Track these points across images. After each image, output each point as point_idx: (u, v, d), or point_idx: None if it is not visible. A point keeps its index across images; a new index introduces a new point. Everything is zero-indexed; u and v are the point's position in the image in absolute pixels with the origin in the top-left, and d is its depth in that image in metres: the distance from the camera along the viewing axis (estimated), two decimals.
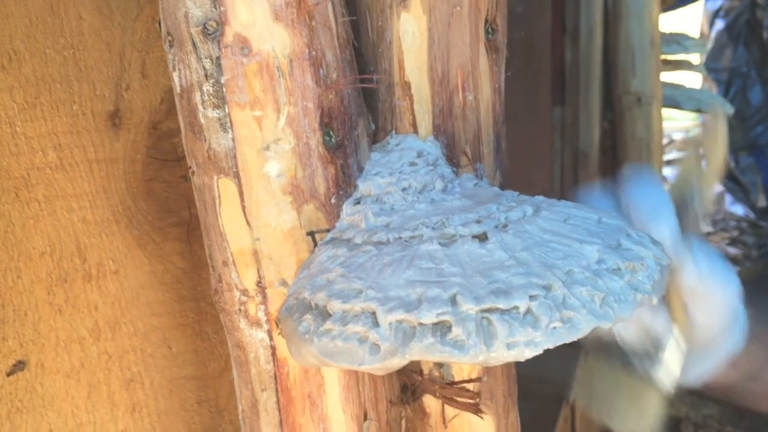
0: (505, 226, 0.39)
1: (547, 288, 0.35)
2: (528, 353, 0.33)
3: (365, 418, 0.45)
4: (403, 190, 0.43)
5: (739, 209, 3.60)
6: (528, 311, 0.34)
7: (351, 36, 0.44)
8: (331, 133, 0.42)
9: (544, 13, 1.53)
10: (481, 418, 0.46)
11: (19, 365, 0.47)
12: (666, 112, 1.64)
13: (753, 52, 3.41)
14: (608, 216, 0.43)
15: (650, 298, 0.38)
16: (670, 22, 1.70)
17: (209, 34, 0.39)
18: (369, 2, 0.46)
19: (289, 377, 0.43)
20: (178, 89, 0.41)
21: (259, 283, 0.42)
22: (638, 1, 1.49)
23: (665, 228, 0.49)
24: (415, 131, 0.47)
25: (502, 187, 0.52)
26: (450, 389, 0.45)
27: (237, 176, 0.41)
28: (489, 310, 0.34)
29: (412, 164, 0.45)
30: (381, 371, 0.34)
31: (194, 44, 0.39)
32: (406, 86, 0.47)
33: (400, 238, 0.39)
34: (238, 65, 0.39)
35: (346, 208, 0.42)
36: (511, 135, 1.76)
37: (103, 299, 0.49)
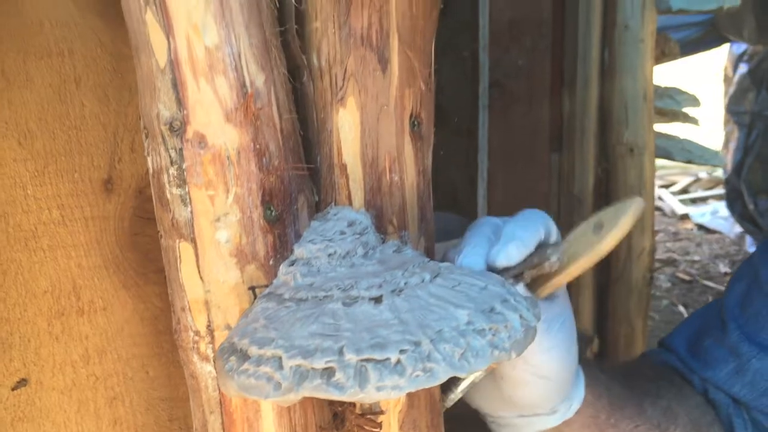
0: (401, 290, 0.49)
1: (416, 344, 0.44)
2: (393, 395, 0.43)
3: None
4: (329, 255, 0.53)
5: None
6: (398, 362, 0.43)
7: (297, 127, 0.55)
8: (271, 208, 0.52)
9: (544, 67, 1.63)
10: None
11: (22, 382, 0.58)
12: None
13: None
14: (495, 284, 0.52)
15: (508, 354, 0.47)
16: (666, 76, 1.78)
17: (174, 131, 0.50)
18: (314, 100, 0.56)
19: (232, 403, 0.53)
20: (151, 170, 0.52)
21: (208, 326, 0.52)
22: (632, 57, 1.57)
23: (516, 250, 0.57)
24: (350, 204, 0.57)
25: (428, 250, 0.62)
26: (361, 419, 0.55)
27: (194, 241, 0.51)
28: (367, 360, 0.43)
29: (342, 233, 0.55)
30: (283, 403, 0.44)
31: (163, 137, 0.50)
32: (343, 167, 0.57)
33: (317, 296, 0.49)
34: (196, 155, 0.50)
35: (282, 268, 0.53)
36: (512, 178, 1.85)
37: (93, 330, 0.60)
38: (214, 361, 0.52)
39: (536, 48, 1.60)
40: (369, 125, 0.56)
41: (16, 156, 0.55)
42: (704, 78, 4.91)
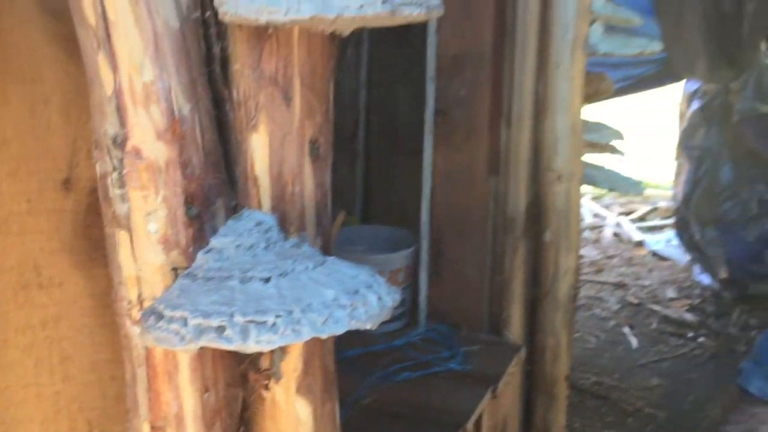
0: (287, 274, 0.64)
1: (290, 312, 0.59)
2: (268, 347, 0.57)
3: (206, 391, 0.69)
4: (237, 246, 0.68)
5: (705, 279, 3.80)
6: (273, 324, 0.58)
7: (218, 146, 0.70)
8: (192, 207, 0.67)
9: (484, 98, 1.79)
10: (267, 390, 0.70)
11: None
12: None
13: (724, 134, 3.64)
14: (365, 274, 0.67)
15: (364, 324, 0.62)
16: (594, 111, 1.95)
17: (117, 144, 0.64)
18: (233, 125, 0.71)
19: (155, 358, 0.68)
20: (99, 174, 0.66)
21: (139, 297, 0.67)
22: (563, 94, 1.74)
23: None
24: (260, 208, 0.72)
25: (325, 247, 0.77)
26: (257, 374, 0.70)
27: (130, 230, 0.66)
28: (250, 321, 0.58)
29: (250, 230, 0.70)
30: (187, 352, 0.59)
31: (109, 149, 0.65)
32: (255, 179, 0.72)
33: (221, 276, 0.64)
34: (133, 164, 0.65)
35: (199, 254, 0.67)
36: (453, 198, 2.01)
37: (50, 301, 0.74)
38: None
39: (477, 80, 1.76)
40: (276, 147, 0.71)
41: None
42: (664, 113, 5.13)
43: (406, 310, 1.81)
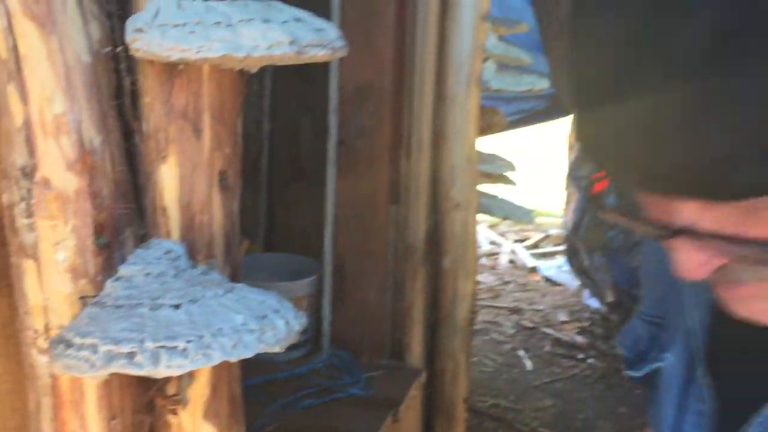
0: (197, 300, 0.66)
1: (200, 336, 0.62)
2: (178, 371, 0.59)
3: (113, 419, 0.70)
4: (146, 274, 0.70)
5: (594, 303, 4.01)
6: (184, 349, 0.60)
7: (128, 177, 0.71)
8: (101, 237, 0.68)
9: (384, 129, 1.85)
10: (174, 415, 0.72)
11: None
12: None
13: None
14: (272, 299, 0.70)
15: (272, 347, 0.65)
16: (488, 144, 2.05)
17: (26, 174, 0.65)
18: (143, 155, 0.73)
19: (61, 388, 0.68)
20: (6, 203, 0.67)
21: (46, 326, 0.67)
22: (459, 127, 1.83)
23: None
24: (169, 237, 0.74)
25: (233, 275, 0.79)
26: (165, 400, 0.71)
27: (37, 260, 0.66)
28: (161, 347, 0.60)
29: (159, 258, 0.71)
30: (96, 379, 0.60)
31: (17, 179, 0.65)
32: (164, 209, 0.74)
33: (131, 303, 0.65)
34: (42, 194, 0.65)
35: (108, 283, 0.69)
36: (356, 226, 2.05)
37: None
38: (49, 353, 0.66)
39: (378, 112, 1.82)
40: (185, 178, 0.73)
41: None
42: (554, 144, 5.39)
43: (310, 338, 1.84)
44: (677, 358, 0.74)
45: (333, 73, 1.79)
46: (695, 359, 0.72)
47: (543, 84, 1.86)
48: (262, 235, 2.20)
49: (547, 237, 5.19)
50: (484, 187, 1.96)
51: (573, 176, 4.00)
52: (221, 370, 0.76)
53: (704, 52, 0.40)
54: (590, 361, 3.39)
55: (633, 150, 0.45)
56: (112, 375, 0.62)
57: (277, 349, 0.65)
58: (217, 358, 0.61)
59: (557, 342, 3.59)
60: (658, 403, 0.75)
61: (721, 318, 0.62)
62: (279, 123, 2.17)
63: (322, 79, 1.83)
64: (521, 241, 5.11)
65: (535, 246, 5.07)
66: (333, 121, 1.81)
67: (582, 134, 0.49)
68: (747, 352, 0.67)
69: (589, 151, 0.50)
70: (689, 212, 0.49)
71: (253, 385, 1.64)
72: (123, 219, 0.70)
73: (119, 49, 0.68)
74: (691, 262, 0.51)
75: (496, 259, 4.84)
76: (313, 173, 2.02)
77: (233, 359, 0.62)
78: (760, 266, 0.50)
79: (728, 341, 0.69)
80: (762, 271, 0.52)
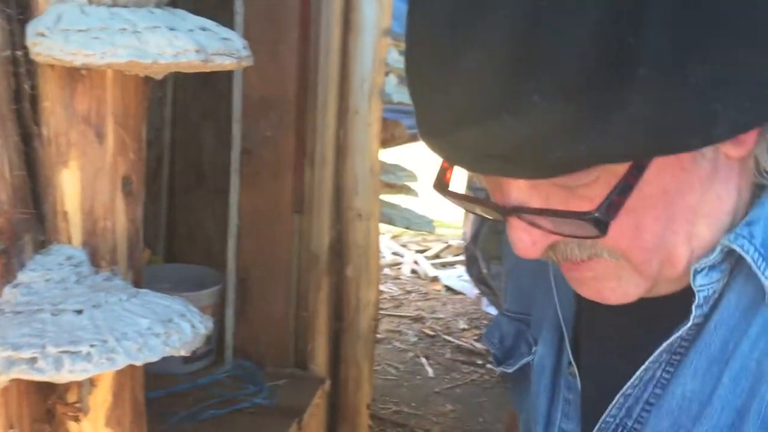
0: (100, 306, 0.66)
1: (104, 341, 0.62)
2: (82, 376, 0.59)
3: (11, 427, 0.69)
4: (47, 280, 0.69)
5: (492, 310, 4.13)
6: (88, 353, 0.60)
7: (27, 181, 0.70)
8: None
9: (288, 140, 1.87)
10: (77, 422, 0.71)
11: None
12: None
13: None
14: (178, 304, 0.71)
15: (178, 350, 0.66)
16: (390, 155, 2.10)
17: None
18: (43, 159, 0.72)
19: None
20: None
21: None
22: (362, 139, 1.87)
23: None
24: (70, 243, 0.73)
25: (136, 281, 0.79)
26: (65, 407, 0.70)
27: None
28: (64, 352, 0.60)
29: (60, 264, 0.71)
30: None
31: None
32: (65, 214, 0.73)
33: (31, 309, 0.64)
34: None
35: (6, 289, 0.67)
36: (260, 235, 2.04)
37: None
38: None
39: (282, 123, 1.83)
40: (87, 183, 0.73)
41: None
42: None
43: (212, 349, 1.82)
44: (547, 349, 0.78)
45: (237, 82, 1.79)
46: (563, 348, 0.76)
47: None
48: (163, 245, 2.16)
49: (448, 247, 5.31)
50: (387, 198, 2.00)
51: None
52: (124, 376, 0.76)
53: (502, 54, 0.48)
54: (489, 366, 3.49)
55: (459, 136, 0.52)
56: (11, 382, 0.61)
57: (183, 352, 0.66)
58: (122, 362, 0.61)
59: (458, 349, 3.69)
60: (534, 395, 0.79)
61: (586, 304, 0.68)
62: (181, 131, 2.14)
63: (225, 88, 1.83)
64: (423, 251, 5.21)
65: (437, 256, 5.19)
66: (237, 130, 1.80)
67: (420, 123, 0.55)
68: (607, 335, 0.72)
69: (426, 137, 0.55)
70: (518, 192, 0.56)
71: (154, 399, 1.61)
72: (22, 224, 0.69)
73: (19, 53, 0.67)
74: (524, 240, 0.58)
75: (398, 269, 4.91)
76: (216, 182, 2.00)
77: (139, 363, 0.62)
78: (585, 240, 0.57)
79: (591, 327, 0.74)
80: (591, 247, 0.58)
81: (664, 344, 0.64)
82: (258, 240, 1.87)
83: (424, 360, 3.51)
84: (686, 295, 0.62)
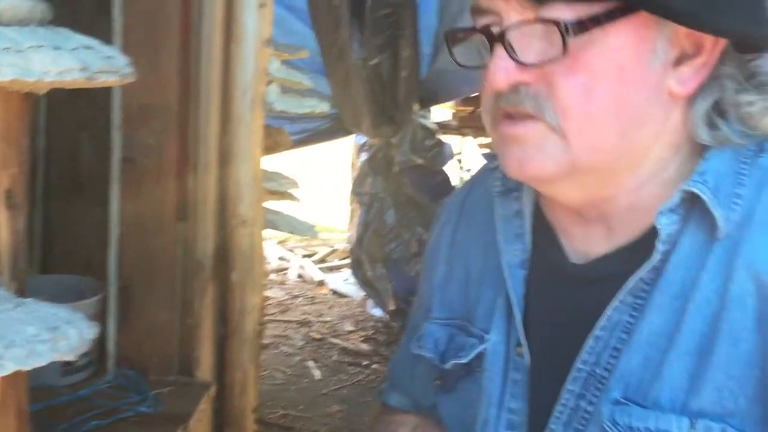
0: None
1: None
2: None
3: None
4: None
5: (377, 311, 4.24)
6: None
7: None
8: None
9: (171, 147, 1.87)
10: None
11: None
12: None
13: (388, 182, 4.13)
14: (64, 312, 0.73)
15: (67, 355, 0.68)
16: (274, 162, 2.14)
17: None
18: None
19: None
20: None
21: None
22: (245, 146, 1.90)
23: None
24: None
25: (20, 291, 0.80)
26: None
27: None
28: None
29: None
30: None
31: None
32: None
33: None
34: None
35: None
36: (143, 244, 2.03)
37: None
38: None
39: (164, 130, 1.83)
40: None
41: None
42: (339, 162, 5.62)
43: (93, 360, 1.80)
44: (499, 336, 0.82)
45: (115, 91, 1.78)
46: (512, 332, 0.80)
47: (324, 107, 1.99)
48: (38, 256, 2.11)
49: (333, 251, 5.38)
50: (270, 204, 2.04)
51: (356, 192, 4.20)
52: (7, 385, 0.78)
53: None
54: (374, 366, 3.59)
55: None
56: None
57: (71, 357, 0.69)
58: (11, 368, 0.64)
59: (344, 351, 3.76)
60: (487, 380, 0.82)
61: (534, 284, 0.75)
62: (55, 139, 2.09)
63: (102, 97, 1.81)
64: (309, 256, 5.25)
65: (323, 260, 5.24)
66: (116, 138, 1.79)
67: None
68: (556, 306, 0.77)
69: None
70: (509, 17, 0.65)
71: (33, 413, 1.58)
72: None
73: None
74: (500, 66, 0.66)
75: (285, 274, 4.93)
76: (94, 191, 1.97)
77: (27, 368, 0.65)
78: (539, 94, 0.65)
79: (540, 304, 0.79)
80: (539, 100, 0.66)
81: (630, 282, 0.70)
82: (140, 248, 1.86)
83: (311, 363, 3.56)
84: (633, 256, 0.70)
